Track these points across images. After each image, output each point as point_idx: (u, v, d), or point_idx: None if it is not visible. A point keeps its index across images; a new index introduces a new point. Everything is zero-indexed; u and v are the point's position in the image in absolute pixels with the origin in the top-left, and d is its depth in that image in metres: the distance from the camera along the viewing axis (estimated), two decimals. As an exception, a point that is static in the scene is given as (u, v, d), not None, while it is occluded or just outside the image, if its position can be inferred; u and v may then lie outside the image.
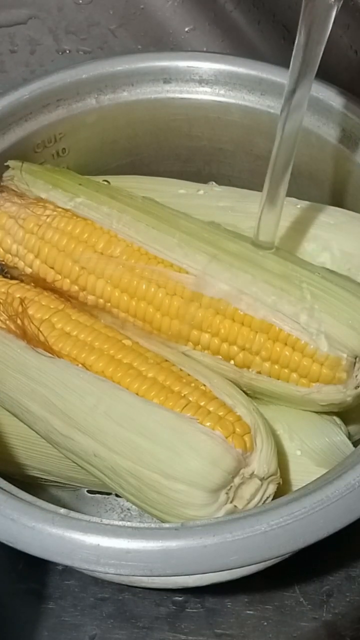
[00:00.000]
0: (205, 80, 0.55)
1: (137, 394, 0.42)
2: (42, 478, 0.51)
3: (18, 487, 0.38)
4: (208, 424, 0.40)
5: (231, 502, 0.40)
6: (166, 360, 0.44)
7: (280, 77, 0.52)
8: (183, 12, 0.66)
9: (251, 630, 0.49)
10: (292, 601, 0.50)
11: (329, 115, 0.52)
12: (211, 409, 0.41)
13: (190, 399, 0.41)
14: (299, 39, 0.38)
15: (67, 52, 0.69)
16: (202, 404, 0.41)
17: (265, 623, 0.49)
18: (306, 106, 0.41)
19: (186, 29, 0.66)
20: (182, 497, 0.39)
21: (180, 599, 0.50)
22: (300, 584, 0.51)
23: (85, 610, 0.50)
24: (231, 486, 0.40)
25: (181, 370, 0.44)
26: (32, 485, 0.51)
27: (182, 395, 0.42)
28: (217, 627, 0.49)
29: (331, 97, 0.52)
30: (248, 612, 0.50)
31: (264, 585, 0.50)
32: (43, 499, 0.37)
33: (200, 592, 0.50)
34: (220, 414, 0.41)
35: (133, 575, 0.35)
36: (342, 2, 0.37)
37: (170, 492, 0.39)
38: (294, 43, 0.39)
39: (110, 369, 0.43)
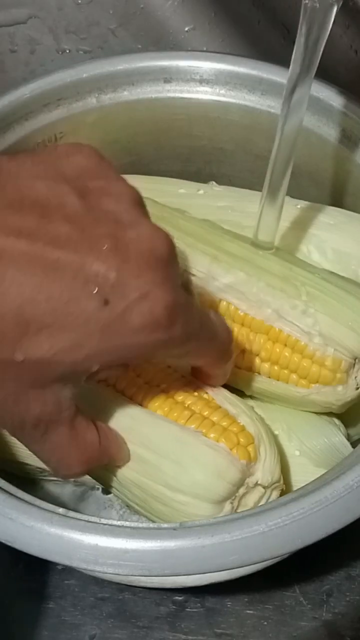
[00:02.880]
0: (205, 80, 0.55)
1: (140, 405, 0.42)
2: (42, 477, 0.51)
3: (17, 484, 0.38)
4: (212, 435, 0.40)
5: (235, 510, 0.40)
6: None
7: (280, 77, 0.52)
8: (183, 11, 0.65)
9: (251, 630, 0.49)
10: (292, 601, 0.50)
11: (329, 115, 0.52)
12: (215, 419, 0.40)
13: (194, 409, 0.41)
14: (299, 39, 0.38)
15: (67, 51, 0.69)
16: (205, 414, 0.41)
17: (265, 623, 0.49)
18: (306, 106, 0.41)
19: (186, 29, 0.66)
20: (187, 508, 0.39)
21: (180, 598, 0.50)
22: (300, 584, 0.51)
23: (85, 609, 0.50)
24: (236, 496, 0.40)
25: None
26: (32, 481, 0.51)
27: (186, 405, 0.41)
28: (217, 626, 0.49)
29: (331, 97, 0.52)
30: (248, 611, 0.50)
31: (264, 585, 0.50)
32: (42, 498, 0.37)
33: (200, 591, 0.50)
34: (224, 424, 0.40)
35: (132, 575, 0.35)
36: (342, 2, 0.37)
37: (175, 504, 0.39)
38: (294, 43, 0.39)
39: (113, 380, 0.43)
